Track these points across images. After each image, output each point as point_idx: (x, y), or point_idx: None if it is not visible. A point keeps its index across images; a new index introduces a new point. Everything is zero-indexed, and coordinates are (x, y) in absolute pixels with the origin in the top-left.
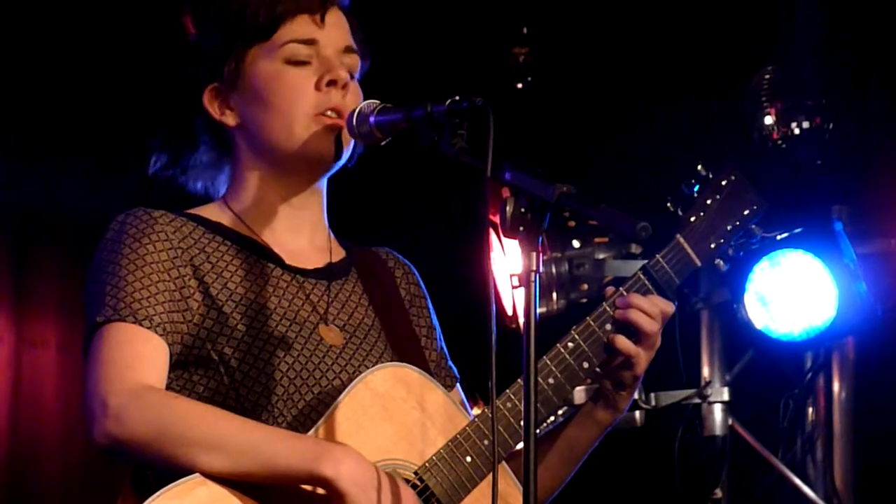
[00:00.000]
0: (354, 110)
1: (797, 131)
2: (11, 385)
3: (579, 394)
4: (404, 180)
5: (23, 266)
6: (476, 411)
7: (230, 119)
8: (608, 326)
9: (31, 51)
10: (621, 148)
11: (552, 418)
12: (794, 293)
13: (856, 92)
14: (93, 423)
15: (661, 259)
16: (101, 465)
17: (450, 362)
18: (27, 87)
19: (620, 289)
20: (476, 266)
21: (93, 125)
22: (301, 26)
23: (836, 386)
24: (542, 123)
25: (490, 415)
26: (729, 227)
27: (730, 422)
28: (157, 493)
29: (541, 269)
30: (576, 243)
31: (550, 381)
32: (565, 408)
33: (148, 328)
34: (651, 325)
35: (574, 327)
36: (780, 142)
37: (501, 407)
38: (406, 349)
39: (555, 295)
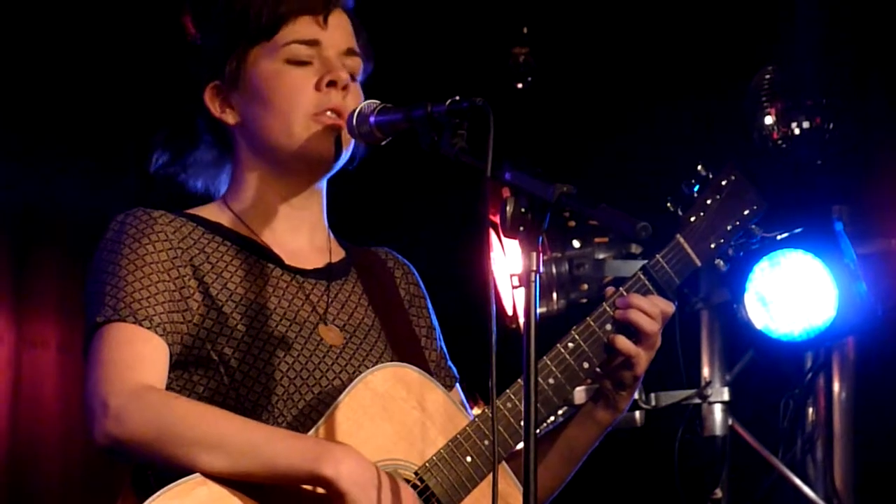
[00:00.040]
0: (354, 110)
1: (797, 131)
2: (11, 385)
3: (579, 394)
4: (404, 180)
5: (23, 266)
6: (476, 411)
7: (230, 117)
8: (608, 326)
9: (31, 51)
10: (621, 148)
11: (552, 418)
12: (794, 293)
13: (856, 92)
14: (93, 423)
15: (661, 259)
16: (101, 465)
17: (449, 362)
18: (27, 87)
19: (620, 289)
20: (476, 266)
21: (93, 125)
22: (304, 27)
23: (836, 386)
24: (542, 123)
25: (490, 415)
26: (729, 227)
27: (730, 422)
28: (158, 493)
29: (541, 269)
30: (576, 243)
31: (551, 381)
32: (565, 408)
33: (148, 328)
34: (651, 326)
35: (574, 327)
36: (780, 142)
37: (501, 407)
38: (406, 349)
39: (555, 295)
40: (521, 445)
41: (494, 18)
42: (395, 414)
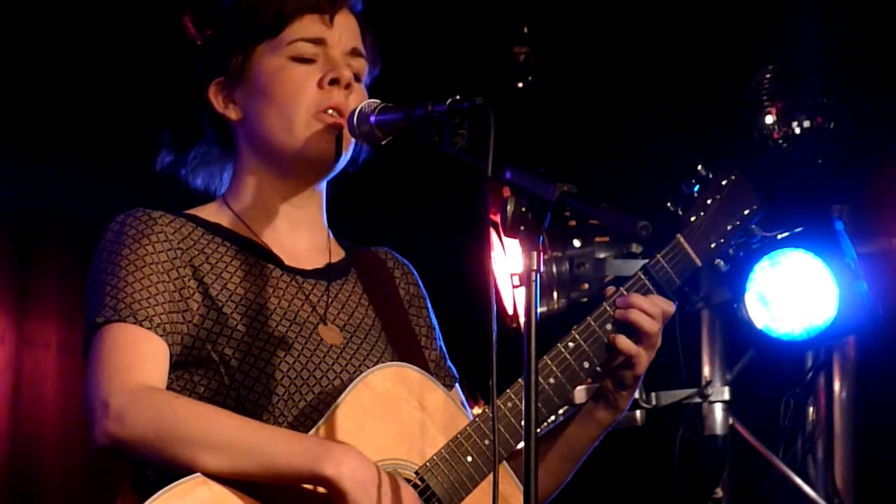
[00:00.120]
0: (355, 110)
1: (798, 131)
2: (12, 385)
3: (580, 393)
4: (404, 180)
5: (23, 266)
6: (476, 411)
7: (233, 113)
8: (609, 326)
9: (32, 51)
10: (622, 147)
11: (553, 418)
12: (794, 293)
13: (856, 92)
14: (94, 423)
15: (661, 259)
16: (101, 465)
17: (449, 362)
18: (27, 88)
19: (621, 288)
20: (476, 266)
21: (93, 125)
22: (309, 25)
23: (836, 385)
24: (542, 123)
25: (491, 414)
26: (729, 227)
27: (730, 421)
28: (158, 492)
29: (541, 268)
30: (576, 243)
31: (551, 380)
32: (566, 407)
33: (148, 328)
34: (652, 325)
35: (575, 327)
36: (780, 141)
37: (502, 406)
38: (406, 349)
39: (555, 294)
40: (521, 445)
41: (495, 18)
42: (396, 414)
